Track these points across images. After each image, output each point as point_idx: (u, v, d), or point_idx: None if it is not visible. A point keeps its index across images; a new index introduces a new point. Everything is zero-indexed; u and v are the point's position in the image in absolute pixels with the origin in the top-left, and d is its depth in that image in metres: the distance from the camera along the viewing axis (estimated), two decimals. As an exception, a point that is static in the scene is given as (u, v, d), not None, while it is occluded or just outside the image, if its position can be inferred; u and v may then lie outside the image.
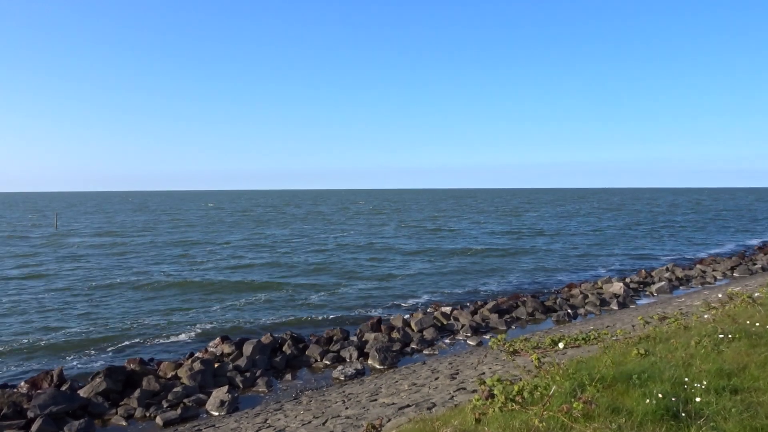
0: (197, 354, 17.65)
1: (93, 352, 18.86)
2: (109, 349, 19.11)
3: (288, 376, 16.36)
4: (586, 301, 25.21)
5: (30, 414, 12.57)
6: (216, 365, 16.22)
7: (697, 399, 5.43)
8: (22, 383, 14.78)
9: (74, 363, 17.68)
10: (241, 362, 16.51)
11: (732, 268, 33.82)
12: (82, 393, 14.02)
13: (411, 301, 26.75)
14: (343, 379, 15.93)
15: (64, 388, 14.29)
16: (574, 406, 4.82)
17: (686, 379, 6.02)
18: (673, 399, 5.36)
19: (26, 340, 20.14)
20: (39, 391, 13.78)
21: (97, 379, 14.46)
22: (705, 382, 5.87)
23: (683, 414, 5.10)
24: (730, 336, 8.08)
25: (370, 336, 19.36)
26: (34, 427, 12.06)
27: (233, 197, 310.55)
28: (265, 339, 18.11)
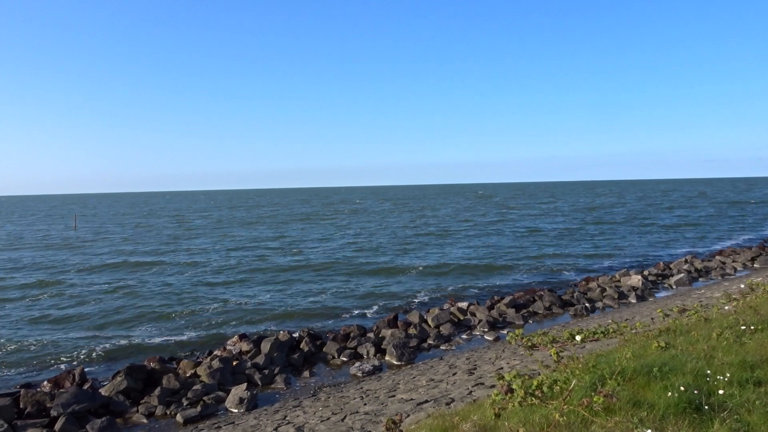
0: (216, 352, 17.81)
1: (113, 351, 19.09)
2: (129, 349, 19.34)
3: (306, 373, 16.46)
4: (604, 294, 24.99)
5: (53, 413, 12.82)
6: (234, 363, 16.37)
7: (720, 391, 5.36)
8: (45, 382, 15.06)
9: (95, 362, 17.93)
10: (260, 360, 16.64)
11: (752, 259, 33.28)
12: (103, 392, 14.24)
13: (426, 298, 26.73)
14: (360, 375, 15.98)
15: (85, 387, 14.53)
16: (595, 399, 4.78)
17: (708, 371, 5.94)
18: (695, 392, 5.29)
19: (47, 341, 20.49)
20: (61, 390, 14.02)
21: (118, 378, 14.68)
22: (728, 375, 5.78)
23: (706, 407, 5.03)
24: (752, 327, 7.97)
25: (386, 332, 19.38)
26: (58, 425, 12.30)
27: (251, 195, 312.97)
28: (283, 336, 18.22)
